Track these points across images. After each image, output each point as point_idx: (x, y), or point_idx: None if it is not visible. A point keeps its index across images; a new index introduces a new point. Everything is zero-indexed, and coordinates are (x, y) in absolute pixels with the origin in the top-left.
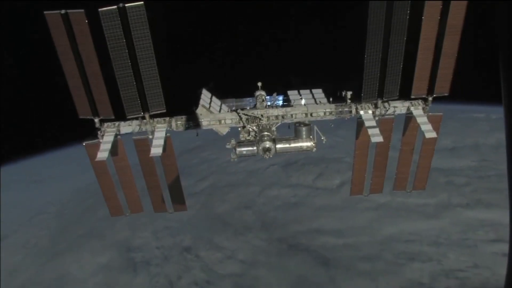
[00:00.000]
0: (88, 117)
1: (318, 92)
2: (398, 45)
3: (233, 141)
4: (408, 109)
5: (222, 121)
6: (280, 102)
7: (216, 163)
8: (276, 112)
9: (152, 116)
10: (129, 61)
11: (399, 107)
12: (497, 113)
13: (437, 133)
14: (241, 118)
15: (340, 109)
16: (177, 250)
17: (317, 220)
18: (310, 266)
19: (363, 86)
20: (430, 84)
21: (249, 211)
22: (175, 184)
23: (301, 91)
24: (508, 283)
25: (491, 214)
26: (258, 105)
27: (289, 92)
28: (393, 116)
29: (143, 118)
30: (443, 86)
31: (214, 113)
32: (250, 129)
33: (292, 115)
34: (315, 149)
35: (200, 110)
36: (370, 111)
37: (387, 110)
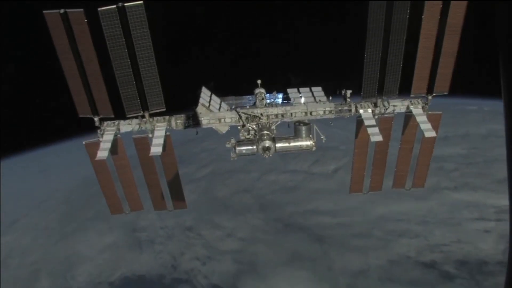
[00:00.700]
0: (87, 116)
1: (318, 90)
2: (398, 44)
3: (232, 140)
4: (408, 108)
5: (222, 120)
6: (280, 100)
7: (216, 152)
8: (275, 111)
9: (152, 115)
10: (129, 60)
11: (399, 105)
12: (489, 105)
13: (437, 132)
14: (240, 117)
15: (339, 108)
16: (180, 230)
17: (313, 202)
18: (305, 242)
19: (362, 85)
20: (430, 83)
21: (248, 194)
22: (174, 182)
23: (301, 89)
24: (508, 283)
25: (476, 196)
26: (257, 103)
27: (289, 90)
28: (392, 114)
29: (143, 117)
30: (442, 85)
31: (214, 111)
32: (249, 128)
33: (291, 114)
34: (314, 148)
35: (199, 109)
36: (369, 110)
37: (386, 109)
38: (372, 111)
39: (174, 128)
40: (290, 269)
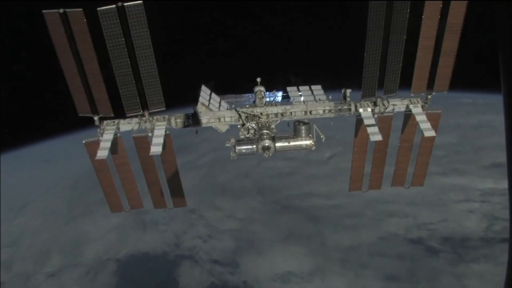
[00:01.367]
0: (87, 115)
1: (318, 89)
2: (397, 44)
3: (232, 140)
4: (407, 107)
5: (222, 119)
6: (280, 98)
7: (217, 141)
8: (275, 110)
9: (151, 114)
10: (128, 60)
11: (398, 105)
12: (483, 99)
13: (436, 131)
14: (240, 116)
15: (339, 107)
16: (182, 212)
17: (308, 185)
18: (301, 222)
19: (362, 84)
20: (430, 82)
21: (247, 179)
22: (174, 180)
23: (300, 87)
24: (508, 283)
25: (463, 180)
26: (257, 101)
27: (288, 89)
28: (392, 113)
29: (143, 116)
30: (442, 84)
31: (214, 110)
32: (249, 127)
33: (291, 113)
34: (314, 147)
35: (199, 108)
36: (369, 109)
37: (386, 108)
38: (372, 110)
39: (174, 127)
40: (286, 245)
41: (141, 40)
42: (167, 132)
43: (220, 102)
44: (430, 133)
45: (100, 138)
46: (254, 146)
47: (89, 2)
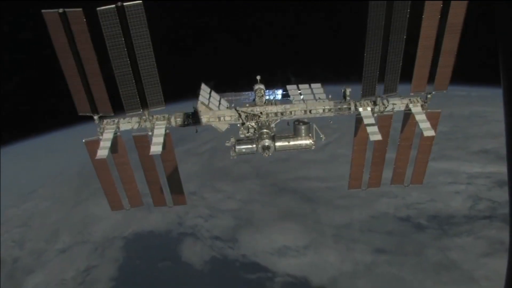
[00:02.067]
0: (87, 114)
1: (317, 87)
2: (397, 43)
3: (232, 139)
4: (407, 106)
5: (221, 118)
6: (279, 97)
7: (217, 130)
8: (275, 109)
9: (151, 113)
10: (128, 59)
11: (398, 104)
12: (477, 92)
13: (435, 130)
14: (240, 116)
15: (339, 106)
16: (185, 194)
17: (304, 170)
18: (296, 202)
19: (362, 84)
20: (429, 82)
21: (246, 165)
22: (174, 179)
23: (300, 86)
24: (508, 283)
25: (452, 165)
26: (257, 100)
27: (288, 87)
28: (391, 113)
29: (143, 115)
30: (442, 84)
31: (213, 109)
32: (249, 126)
33: (291, 112)
34: (314, 147)
35: (199, 107)
36: (369, 108)
37: (386, 107)
38: (372, 110)
39: (174, 126)
40: (283, 223)
41: (140, 40)
42: (167, 131)
43: (219, 101)
44: (429, 132)
45: (100, 137)
46: (254, 146)
47: (89, 2)
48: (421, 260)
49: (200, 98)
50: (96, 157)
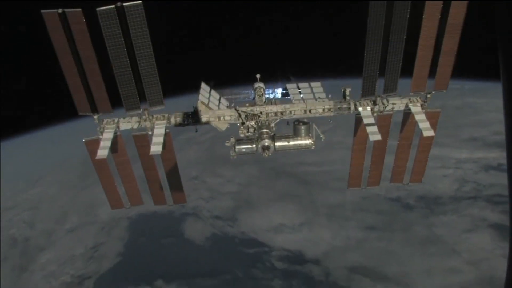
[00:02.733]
0: (87, 113)
1: (317, 86)
2: (397, 43)
3: (232, 139)
4: (407, 105)
5: (221, 118)
6: (279, 95)
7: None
8: (275, 109)
9: (151, 112)
10: (128, 59)
11: (398, 103)
12: (470, 85)
13: (435, 130)
14: (240, 115)
15: (339, 106)
16: (186, 178)
17: (300, 156)
18: (293, 185)
19: (362, 83)
20: (429, 81)
21: None
22: (174, 178)
23: (300, 84)
24: (508, 283)
25: (441, 151)
26: (257, 98)
27: (288, 86)
28: (391, 112)
29: (142, 114)
30: (442, 83)
31: (213, 109)
32: (249, 125)
33: (291, 111)
34: (313, 146)
35: (199, 106)
36: (368, 108)
37: (385, 107)
38: (371, 109)
39: (174, 126)
40: (280, 203)
41: (140, 40)
42: (167, 130)
43: (219, 100)
44: (429, 132)
45: (100, 137)
46: (254, 146)
47: (89, 2)
48: (408, 235)
49: (200, 97)
50: (96, 157)
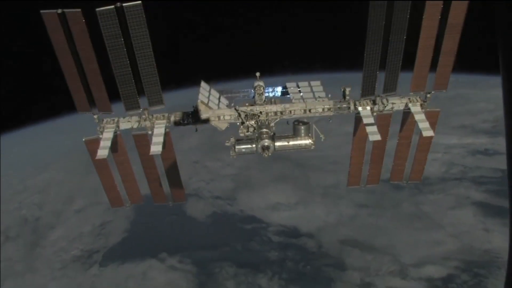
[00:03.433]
0: (87, 113)
1: (317, 85)
2: (397, 43)
3: (232, 139)
4: (406, 105)
5: (221, 117)
6: (279, 93)
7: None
8: (274, 108)
9: (151, 112)
10: (128, 59)
11: (397, 103)
12: (464, 78)
13: (434, 129)
14: (239, 115)
15: (338, 106)
16: (187, 163)
17: None
18: (289, 168)
19: (362, 83)
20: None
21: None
22: (174, 176)
23: (300, 83)
24: (508, 283)
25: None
26: (256, 97)
27: (288, 84)
28: (391, 111)
29: (142, 114)
30: (441, 83)
31: (213, 108)
32: (249, 125)
33: (290, 111)
34: (313, 146)
35: (199, 106)
36: (368, 108)
37: (385, 107)
38: (371, 109)
39: (174, 125)
40: (277, 184)
41: (140, 40)
42: (167, 130)
43: (219, 98)
44: (428, 133)
45: (100, 136)
46: (254, 146)
47: (88, 2)
48: (397, 212)
49: (200, 96)
50: (96, 157)
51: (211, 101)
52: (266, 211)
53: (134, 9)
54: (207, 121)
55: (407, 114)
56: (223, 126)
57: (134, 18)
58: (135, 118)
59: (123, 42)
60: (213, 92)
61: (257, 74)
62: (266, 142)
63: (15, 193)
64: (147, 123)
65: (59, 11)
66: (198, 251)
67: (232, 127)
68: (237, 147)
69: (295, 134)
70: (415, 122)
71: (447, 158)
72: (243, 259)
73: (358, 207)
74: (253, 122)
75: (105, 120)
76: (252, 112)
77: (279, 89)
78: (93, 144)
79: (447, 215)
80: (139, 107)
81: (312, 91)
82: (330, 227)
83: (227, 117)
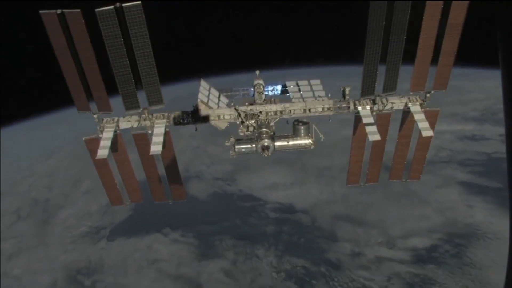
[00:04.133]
0: (87, 112)
1: (317, 84)
2: (398, 43)
3: (232, 139)
4: (406, 105)
5: (221, 117)
6: (279, 92)
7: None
8: (274, 108)
9: (151, 111)
10: (127, 59)
11: (397, 103)
12: (460, 71)
13: (433, 129)
14: (239, 114)
15: (338, 105)
16: (188, 148)
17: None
18: (285, 152)
19: (361, 82)
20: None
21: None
22: (174, 175)
23: (300, 82)
24: (508, 283)
25: None
26: (256, 96)
27: (288, 83)
28: (390, 111)
29: (142, 113)
30: (441, 83)
31: (213, 108)
32: (248, 124)
33: (290, 111)
34: (313, 146)
35: (199, 105)
36: (368, 107)
37: (385, 106)
38: (371, 108)
39: (174, 124)
40: (274, 166)
41: (140, 40)
42: (167, 129)
43: (219, 97)
44: (428, 133)
45: (100, 136)
46: (254, 145)
47: (88, 3)
48: (387, 191)
49: (200, 95)
50: (96, 157)
51: (211, 100)
52: (264, 190)
53: (134, 9)
54: (207, 120)
55: (406, 113)
56: (222, 125)
57: (134, 18)
58: (135, 117)
59: (122, 42)
60: (213, 91)
61: (257, 72)
62: (266, 142)
63: (24, 177)
64: (147, 123)
65: (59, 11)
66: (199, 226)
67: (232, 127)
68: (237, 146)
69: (295, 134)
70: (414, 122)
71: (437, 143)
72: (241, 232)
73: (351, 187)
74: (253, 122)
75: (105, 120)
76: (252, 112)
77: (279, 88)
78: (93, 144)
79: (433, 193)
80: (139, 107)
81: (311, 90)
82: (324, 204)
83: (226, 117)
